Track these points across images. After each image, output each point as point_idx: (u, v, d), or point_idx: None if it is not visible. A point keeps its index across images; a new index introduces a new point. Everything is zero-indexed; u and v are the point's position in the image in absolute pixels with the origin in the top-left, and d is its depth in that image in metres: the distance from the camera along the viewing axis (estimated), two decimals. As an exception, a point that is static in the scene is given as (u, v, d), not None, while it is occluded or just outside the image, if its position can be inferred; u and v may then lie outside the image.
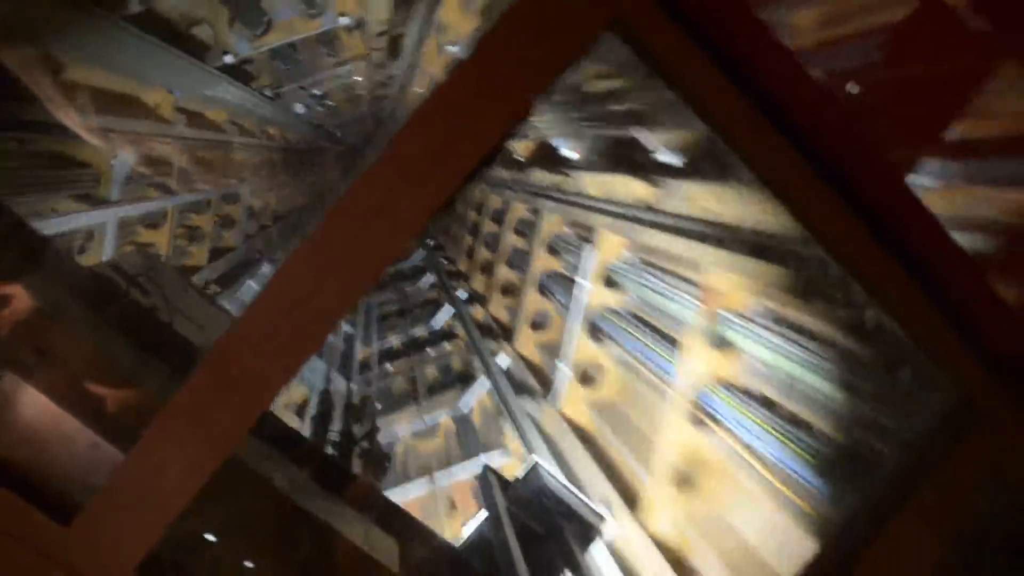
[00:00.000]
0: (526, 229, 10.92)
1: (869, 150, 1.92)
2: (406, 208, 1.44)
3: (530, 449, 7.12)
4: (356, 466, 6.34)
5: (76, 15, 6.69)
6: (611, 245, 7.73)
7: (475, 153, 1.48)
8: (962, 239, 2.16)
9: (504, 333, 10.14)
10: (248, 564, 2.66)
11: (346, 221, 1.45)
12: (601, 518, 5.89)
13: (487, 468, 5.73)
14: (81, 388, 2.42)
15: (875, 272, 1.95)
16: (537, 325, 9.81)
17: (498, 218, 12.42)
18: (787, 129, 1.82)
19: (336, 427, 7.30)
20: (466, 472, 8.58)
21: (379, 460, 6.48)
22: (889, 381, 2.85)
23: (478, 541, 5.34)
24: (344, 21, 12.38)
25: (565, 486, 5.80)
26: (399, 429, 9.51)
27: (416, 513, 5.49)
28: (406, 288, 16.87)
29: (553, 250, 9.92)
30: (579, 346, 7.93)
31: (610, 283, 7.84)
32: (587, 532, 5.76)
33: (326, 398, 8.05)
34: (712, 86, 1.75)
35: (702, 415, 5.05)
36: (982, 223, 3.09)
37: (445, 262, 16.34)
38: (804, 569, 2.02)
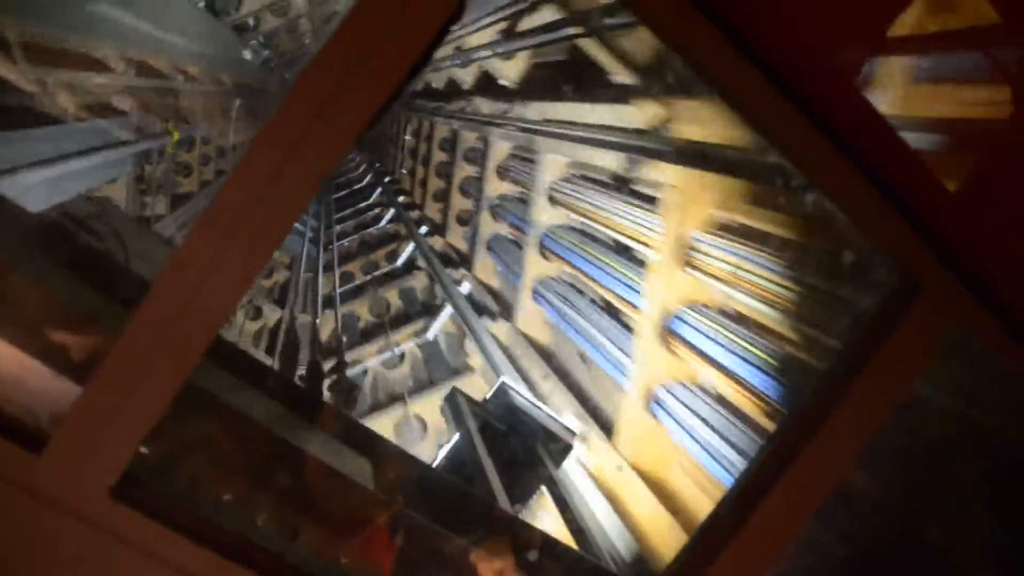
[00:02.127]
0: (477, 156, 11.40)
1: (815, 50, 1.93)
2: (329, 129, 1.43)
3: (493, 366, 7.25)
4: (326, 398, 6.39)
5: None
6: (553, 165, 7.81)
7: (389, 84, 1.45)
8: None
9: (463, 260, 10.31)
10: (226, 496, 2.71)
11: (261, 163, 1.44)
12: (572, 433, 6.00)
13: (455, 390, 5.80)
14: (37, 330, 2.41)
15: (820, 165, 1.99)
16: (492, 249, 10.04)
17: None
18: (732, 34, 1.82)
19: (304, 361, 7.34)
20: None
21: (348, 391, 6.54)
22: (834, 267, 2.95)
23: (452, 463, 5.43)
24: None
25: (534, 404, 5.89)
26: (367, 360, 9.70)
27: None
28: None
29: (502, 174, 10.11)
30: (531, 264, 8.00)
31: (554, 201, 7.92)
32: (560, 448, 5.87)
33: (292, 334, 8.06)
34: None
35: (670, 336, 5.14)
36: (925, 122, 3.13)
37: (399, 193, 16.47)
38: (755, 458, 2.12)
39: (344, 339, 9.16)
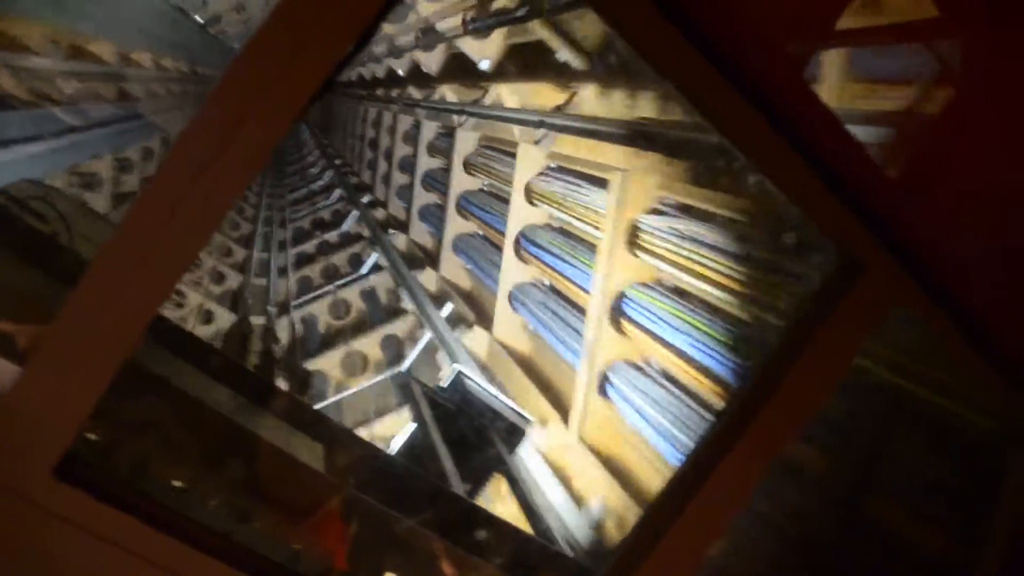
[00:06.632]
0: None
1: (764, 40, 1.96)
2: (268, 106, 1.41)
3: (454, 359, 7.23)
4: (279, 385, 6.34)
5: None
6: (530, 159, 7.63)
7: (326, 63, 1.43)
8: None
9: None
10: (176, 479, 2.67)
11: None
12: (527, 420, 6.03)
13: (411, 376, 5.79)
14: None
15: (765, 153, 2.03)
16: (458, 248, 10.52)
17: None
18: (683, 25, 1.83)
19: (256, 349, 7.27)
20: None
21: (301, 378, 6.49)
22: (777, 247, 3.02)
23: (408, 450, 5.43)
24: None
25: (489, 392, 5.91)
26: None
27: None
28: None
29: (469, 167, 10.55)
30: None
31: (531, 199, 7.80)
32: (514, 435, 5.90)
33: (244, 323, 7.98)
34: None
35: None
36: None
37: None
38: (702, 436, 2.15)
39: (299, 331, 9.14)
